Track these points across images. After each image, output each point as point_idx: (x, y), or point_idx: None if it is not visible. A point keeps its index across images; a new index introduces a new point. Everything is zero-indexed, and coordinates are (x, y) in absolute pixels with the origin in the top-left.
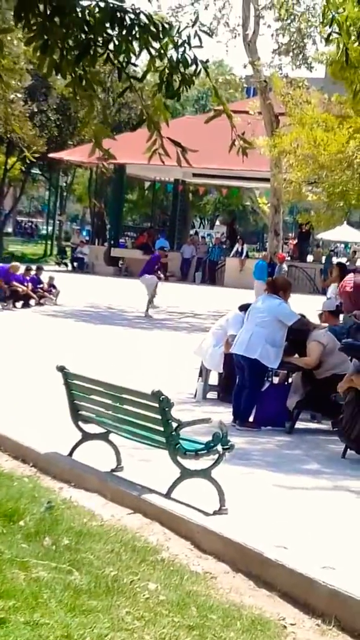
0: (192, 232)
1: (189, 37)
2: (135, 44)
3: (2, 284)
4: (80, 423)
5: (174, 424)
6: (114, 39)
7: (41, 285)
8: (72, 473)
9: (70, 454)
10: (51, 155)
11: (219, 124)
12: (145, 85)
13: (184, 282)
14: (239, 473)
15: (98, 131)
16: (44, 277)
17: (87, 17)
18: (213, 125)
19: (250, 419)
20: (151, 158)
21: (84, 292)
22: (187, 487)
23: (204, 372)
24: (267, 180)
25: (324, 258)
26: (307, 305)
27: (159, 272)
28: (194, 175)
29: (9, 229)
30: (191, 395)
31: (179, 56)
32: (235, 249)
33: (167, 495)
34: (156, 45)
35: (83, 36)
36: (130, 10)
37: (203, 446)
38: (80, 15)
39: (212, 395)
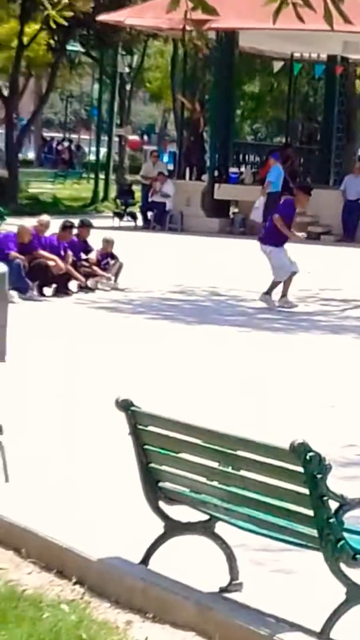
0: None
1: None
2: None
3: (18, 255)
4: (161, 504)
5: (334, 504)
6: None
7: (89, 256)
8: (149, 595)
9: (145, 560)
10: (102, 17)
11: None
12: None
13: (350, 244)
14: None
15: None
16: (95, 239)
17: None
18: None
19: None
20: (279, 14)
21: (166, 265)
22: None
23: None
24: None
25: None
26: None
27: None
28: None
29: (30, 154)
30: None
31: None
32: None
33: (323, 636)
34: None
35: None
36: None
37: None
38: None
39: None
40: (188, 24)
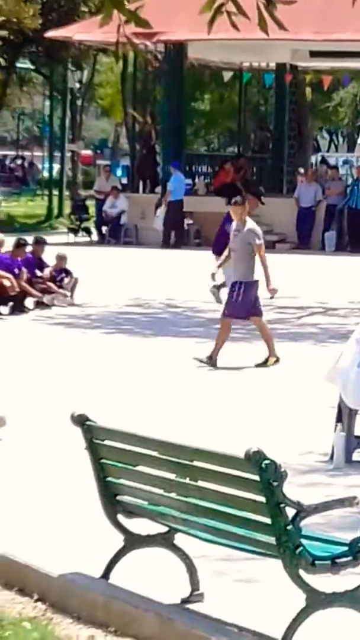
0: (314, 158)
1: None
2: None
3: None
4: (119, 517)
5: (291, 511)
6: None
7: (44, 273)
8: (111, 610)
9: (106, 574)
10: (50, 34)
11: None
12: None
13: (305, 251)
14: None
15: None
16: (49, 256)
17: None
18: None
19: None
20: (213, 23)
21: (121, 280)
22: (321, 623)
23: (345, 415)
24: None
25: None
26: None
27: None
28: (313, 54)
29: None
30: (324, 457)
31: None
32: None
33: None
34: None
35: None
36: None
37: (346, 549)
38: None
39: None
40: (136, 38)
